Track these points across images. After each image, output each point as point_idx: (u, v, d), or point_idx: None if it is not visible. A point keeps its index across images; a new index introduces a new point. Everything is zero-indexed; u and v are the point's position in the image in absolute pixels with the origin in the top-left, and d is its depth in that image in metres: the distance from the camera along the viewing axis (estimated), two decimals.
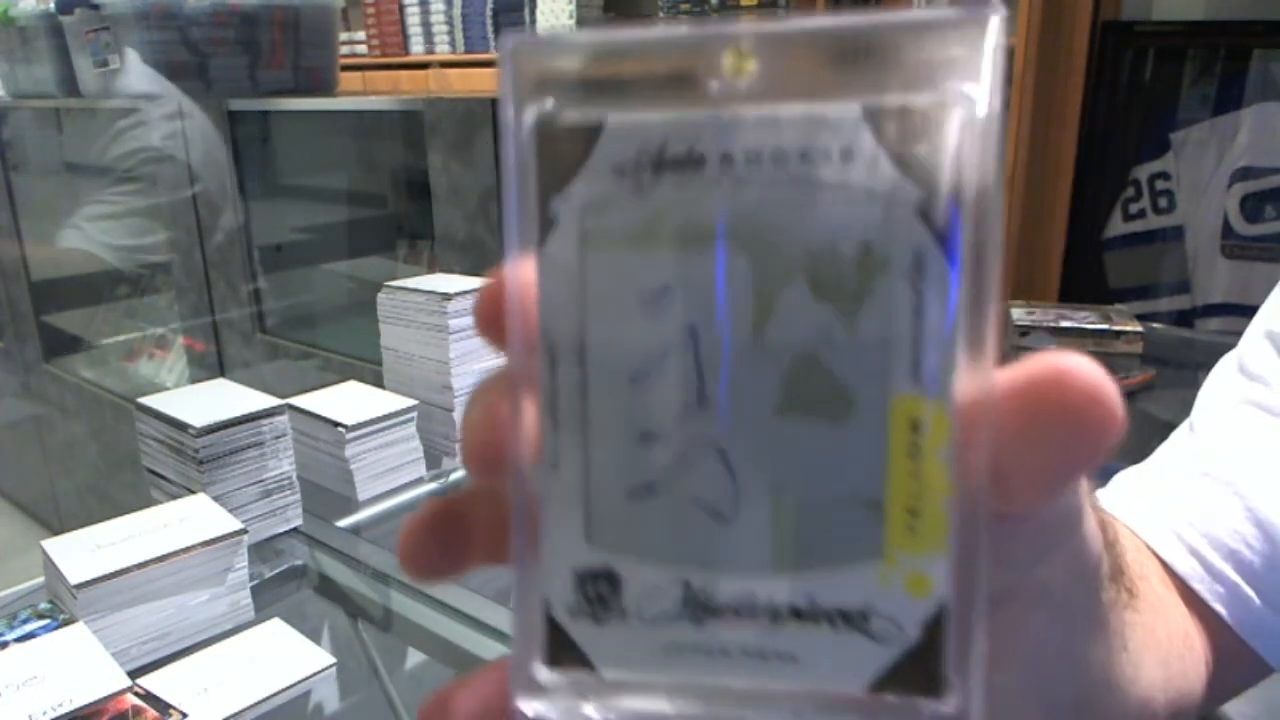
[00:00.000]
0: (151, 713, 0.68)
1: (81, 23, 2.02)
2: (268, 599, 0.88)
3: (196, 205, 2.07)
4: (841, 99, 0.16)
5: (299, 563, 0.95)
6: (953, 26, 0.15)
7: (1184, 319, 1.88)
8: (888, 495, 0.16)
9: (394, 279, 1.20)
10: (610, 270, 0.17)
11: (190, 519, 0.84)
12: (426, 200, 1.72)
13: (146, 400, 0.98)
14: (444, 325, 1.12)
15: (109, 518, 0.84)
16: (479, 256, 1.62)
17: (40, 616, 0.78)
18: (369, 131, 2.30)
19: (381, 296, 1.19)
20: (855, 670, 0.16)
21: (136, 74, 1.94)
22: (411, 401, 1.09)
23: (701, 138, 0.16)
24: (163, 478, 0.97)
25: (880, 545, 0.16)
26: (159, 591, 0.78)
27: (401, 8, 3.32)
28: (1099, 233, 1.94)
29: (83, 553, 0.79)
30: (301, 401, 1.07)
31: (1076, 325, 1.40)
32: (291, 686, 0.73)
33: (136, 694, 0.69)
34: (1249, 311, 0.45)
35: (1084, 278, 1.95)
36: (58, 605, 0.79)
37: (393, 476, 1.07)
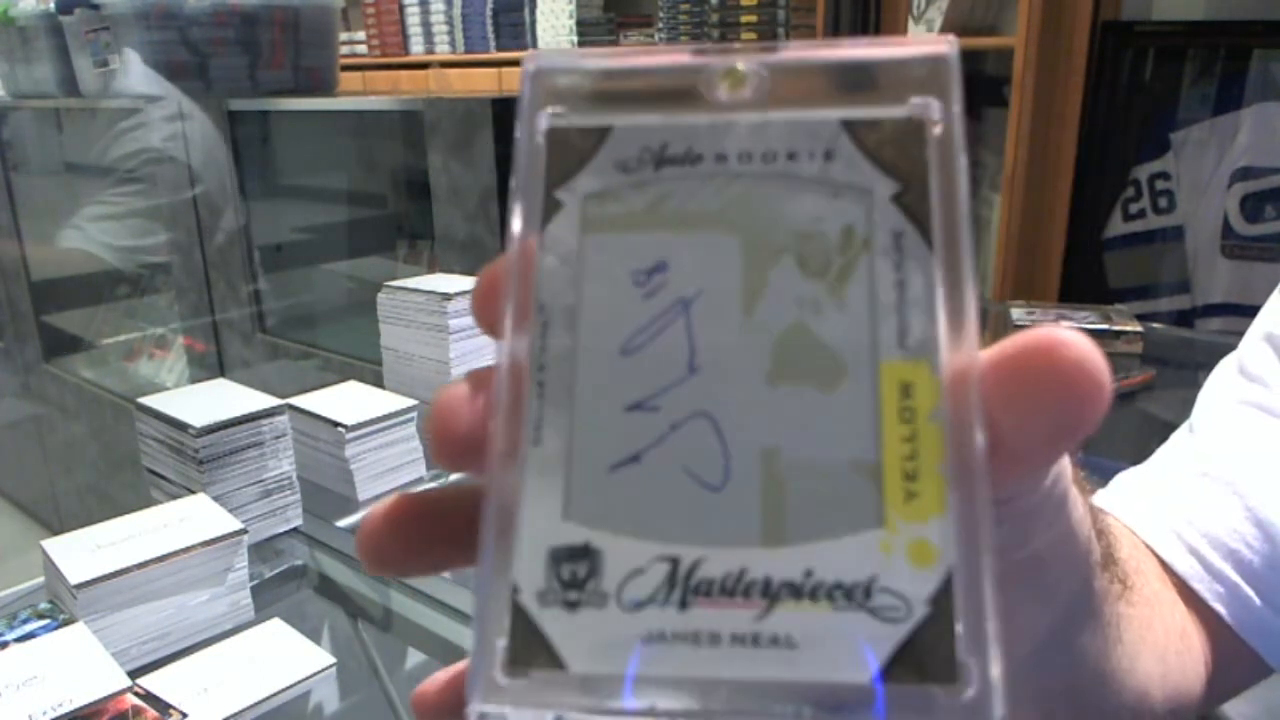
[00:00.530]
0: (151, 713, 0.68)
1: (81, 23, 2.02)
2: (268, 599, 0.88)
3: (197, 205, 2.07)
4: (823, 112, 0.18)
5: (299, 563, 0.95)
6: (917, 59, 0.18)
7: (1184, 319, 1.88)
8: (883, 460, 0.16)
9: (394, 279, 1.21)
10: (608, 249, 0.18)
11: (190, 519, 0.84)
12: (426, 200, 1.72)
13: (146, 400, 0.98)
14: (444, 325, 1.12)
15: (109, 518, 0.84)
16: (479, 256, 1.62)
17: (40, 616, 0.78)
18: (369, 131, 2.30)
19: (381, 296, 1.19)
20: (860, 655, 0.15)
21: (136, 74, 1.94)
22: (411, 401, 1.09)
23: (699, 139, 0.18)
24: (163, 478, 0.97)
25: (879, 512, 0.16)
26: (159, 591, 0.78)
27: (401, 8, 3.31)
28: (1099, 233, 1.94)
29: (83, 553, 0.79)
30: (301, 401, 1.07)
31: (1076, 325, 1.39)
32: (291, 686, 0.73)
33: (136, 694, 0.69)
34: (1249, 311, 0.45)
35: (1084, 278, 1.94)
36: (58, 605, 0.79)
37: (393, 476, 1.07)
